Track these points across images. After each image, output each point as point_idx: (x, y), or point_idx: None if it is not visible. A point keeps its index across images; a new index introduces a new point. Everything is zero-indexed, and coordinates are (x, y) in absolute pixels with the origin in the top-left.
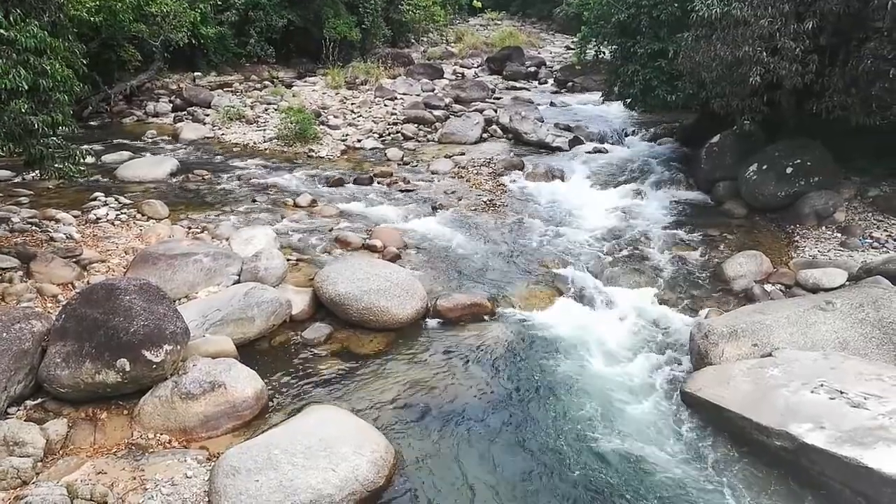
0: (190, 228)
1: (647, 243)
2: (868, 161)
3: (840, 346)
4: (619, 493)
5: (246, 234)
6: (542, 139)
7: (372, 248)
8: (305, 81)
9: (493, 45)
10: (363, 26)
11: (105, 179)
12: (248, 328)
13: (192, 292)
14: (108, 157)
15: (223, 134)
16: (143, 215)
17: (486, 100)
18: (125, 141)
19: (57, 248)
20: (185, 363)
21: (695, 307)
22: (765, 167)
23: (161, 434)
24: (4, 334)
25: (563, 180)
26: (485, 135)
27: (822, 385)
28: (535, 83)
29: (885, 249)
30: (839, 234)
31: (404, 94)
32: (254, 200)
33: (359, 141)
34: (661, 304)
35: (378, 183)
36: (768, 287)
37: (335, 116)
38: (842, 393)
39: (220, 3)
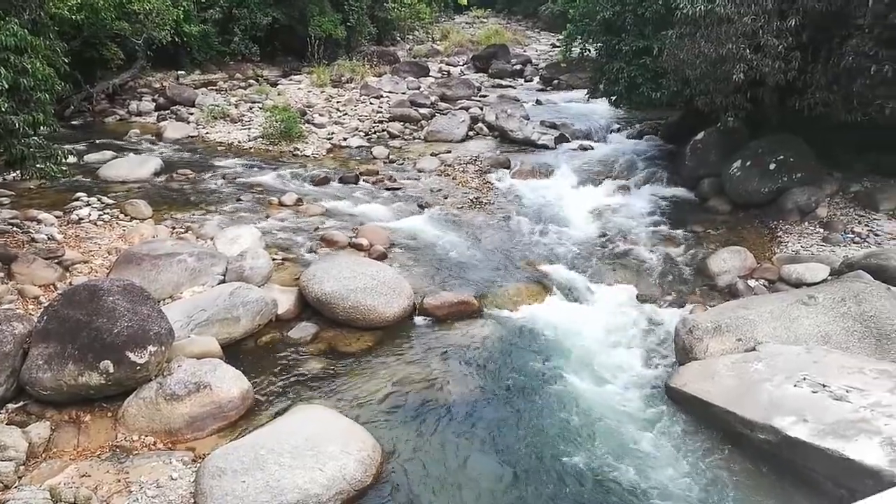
0: (174, 228)
1: (633, 240)
2: (850, 157)
3: (822, 340)
4: (604, 488)
5: (231, 233)
6: (527, 137)
7: (358, 247)
8: (290, 80)
9: (479, 43)
10: (348, 24)
11: (87, 179)
12: (234, 328)
13: (176, 292)
14: (91, 157)
15: (207, 133)
16: (126, 215)
17: (472, 98)
18: (108, 140)
19: (38, 249)
20: (169, 364)
21: (679, 303)
22: (748, 164)
23: (146, 436)
24: None
25: (549, 178)
26: (471, 133)
27: (804, 379)
28: (521, 81)
29: (866, 244)
30: (821, 230)
31: (390, 92)
32: (238, 199)
33: (344, 139)
34: (645, 300)
35: (364, 181)
36: (752, 282)
37: (320, 115)
38: (824, 386)
39: (203, 0)
